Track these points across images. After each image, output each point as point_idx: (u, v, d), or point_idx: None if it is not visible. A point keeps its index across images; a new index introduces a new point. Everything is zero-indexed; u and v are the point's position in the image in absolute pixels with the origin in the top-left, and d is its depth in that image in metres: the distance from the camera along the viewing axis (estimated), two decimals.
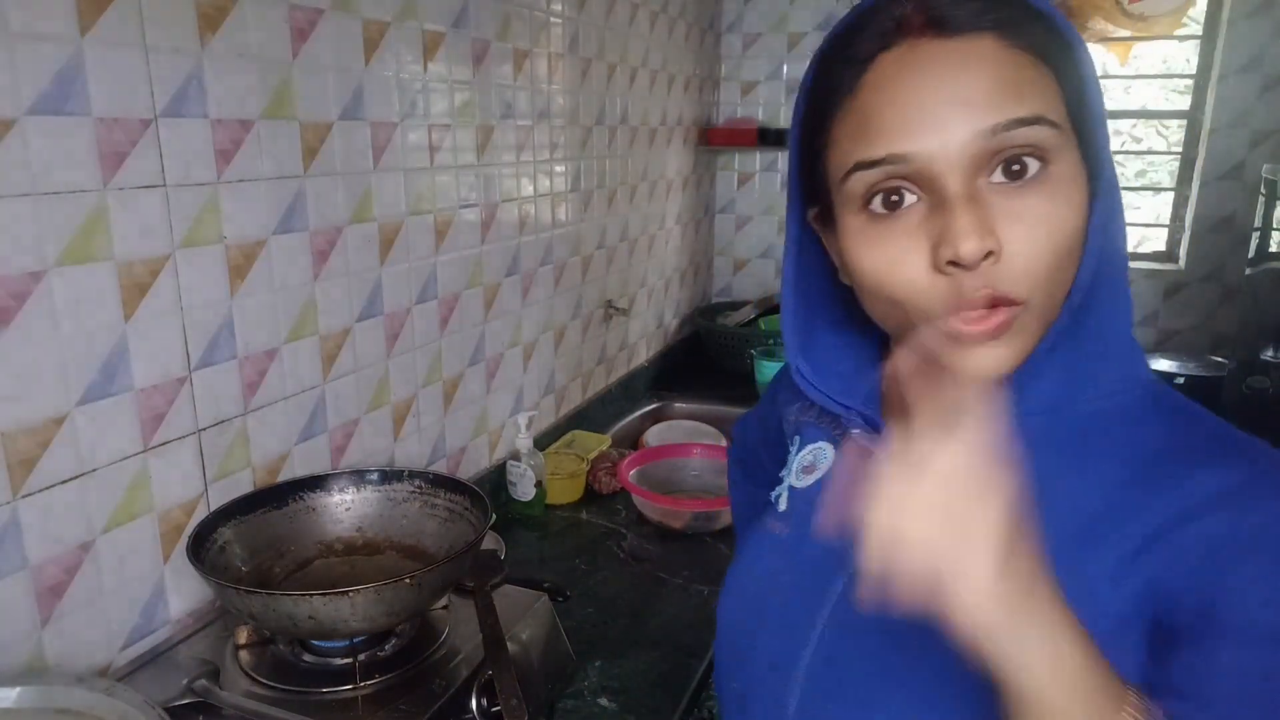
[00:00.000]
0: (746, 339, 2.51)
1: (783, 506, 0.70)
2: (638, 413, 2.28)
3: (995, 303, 0.50)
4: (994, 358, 0.52)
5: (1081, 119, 0.52)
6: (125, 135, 0.93)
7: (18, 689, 0.80)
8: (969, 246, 0.49)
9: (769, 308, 2.61)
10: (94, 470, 0.95)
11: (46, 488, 0.90)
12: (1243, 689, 0.46)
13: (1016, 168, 0.50)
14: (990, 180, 0.51)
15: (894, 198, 0.53)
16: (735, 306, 2.76)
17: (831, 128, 0.56)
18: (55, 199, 0.87)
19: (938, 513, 0.40)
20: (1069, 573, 0.46)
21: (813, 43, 2.69)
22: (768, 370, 2.35)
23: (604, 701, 1.12)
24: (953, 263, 0.50)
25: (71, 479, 0.92)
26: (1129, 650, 0.50)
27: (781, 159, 2.82)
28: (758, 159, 2.84)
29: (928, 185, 0.51)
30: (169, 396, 1.02)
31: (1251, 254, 2.13)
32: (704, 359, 2.70)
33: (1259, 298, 2.02)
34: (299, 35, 1.14)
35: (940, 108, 0.50)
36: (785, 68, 2.74)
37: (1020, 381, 0.55)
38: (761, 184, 2.86)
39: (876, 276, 0.54)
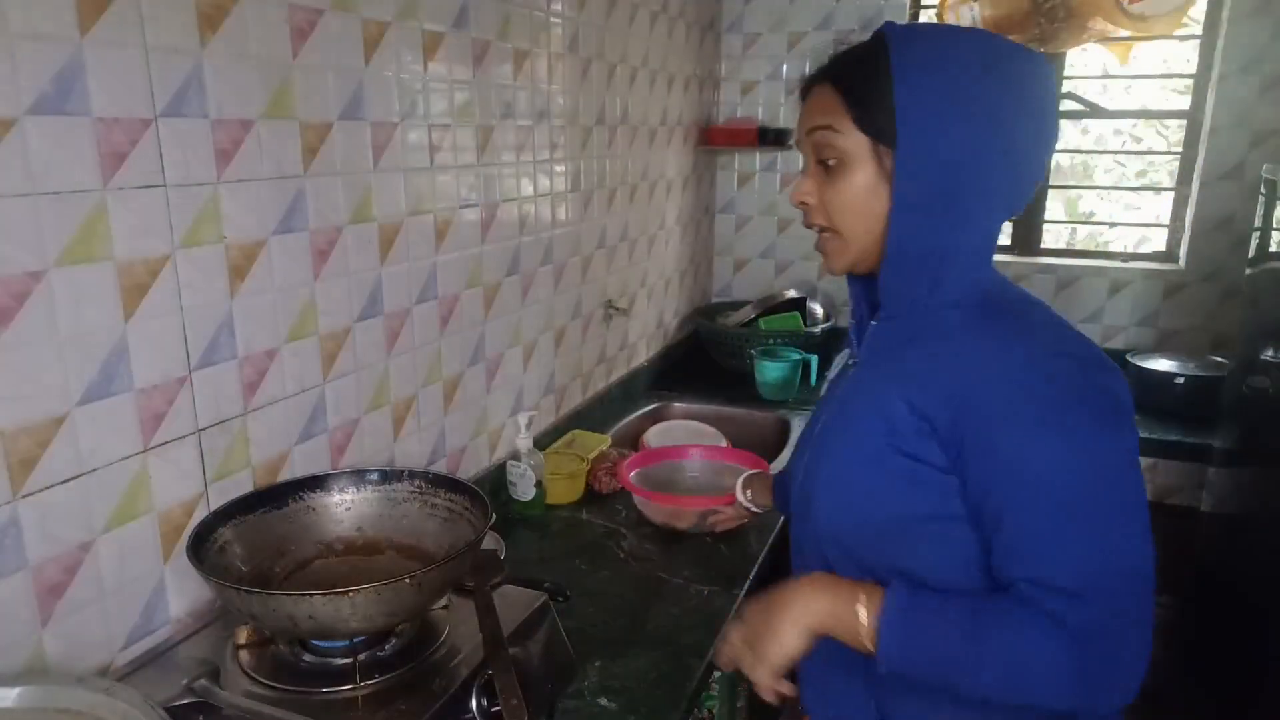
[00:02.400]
0: (746, 339, 2.51)
1: (822, 391, 1.14)
2: (638, 413, 2.28)
3: (821, 228, 0.93)
4: (825, 264, 0.94)
5: (880, 132, 0.84)
6: (125, 135, 0.93)
7: (18, 689, 0.80)
8: (793, 195, 0.93)
9: (769, 308, 2.61)
10: (94, 470, 0.95)
11: (46, 488, 0.90)
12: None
13: (823, 159, 0.89)
14: (821, 164, 0.90)
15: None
16: (735, 306, 2.76)
17: None
18: (55, 199, 0.87)
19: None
20: (879, 389, 0.88)
21: (813, 43, 2.69)
22: (768, 370, 2.35)
23: (604, 701, 1.12)
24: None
25: (71, 479, 0.92)
26: (918, 428, 0.85)
27: (781, 159, 2.82)
28: (758, 159, 2.84)
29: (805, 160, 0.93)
30: (169, 396, 1.02)
31: (1251, 254, 2.13)
32: (704, 359, 2.70)
33: (1259, 298, 2.02)
34: (299, 35, 1.14)
35: (801, 121, 0.92)
36: (785, 68, 2.74)
37: (882, 285, 0.90)
38: (761, 184, 2.86)
39: None
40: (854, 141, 0.86)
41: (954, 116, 0.81)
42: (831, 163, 0.88)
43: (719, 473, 1.78)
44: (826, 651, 0.89)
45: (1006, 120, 0.82)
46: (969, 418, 0.81)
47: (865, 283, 0.98)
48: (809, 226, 0.94)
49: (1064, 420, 0.78)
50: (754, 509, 1.43)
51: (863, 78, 0.85)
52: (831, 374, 1.13)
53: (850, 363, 1.02)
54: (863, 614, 0.83)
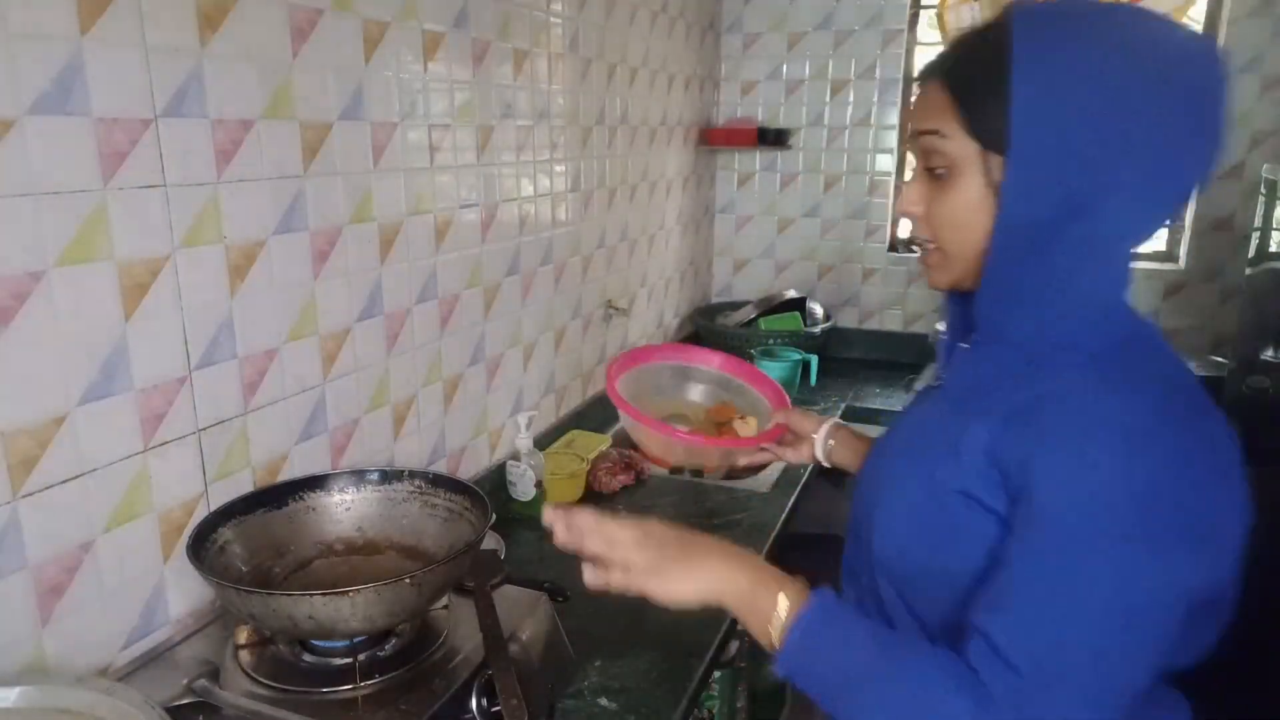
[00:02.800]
0: (746, 339, 2.51)
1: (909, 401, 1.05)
2: None
3: (926, 242, 0.82)
4: (927, 277, 0.85)
5: (992, 139, 0.73)
6: (125, 135, 0.93)
7: (18, 689, 0.80)
8: (901, 205, 0.83)
9: (769, 308, 2.61)
10: (94, 470, 0.95)
11: (46, 488, 0.90)
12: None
13: (931, 166, 0.79)
14: (928, 171, 0.80)
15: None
16: (735, 306, 2.76)
17: None
18: (55, 199, 0.87)
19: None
20: (955, 423, 0.77)
21: (813, 42, 2.69)
22: (768, 370, 2.35)
23: (604, 701, 1.12)
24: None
25: (71, 479, 0.92)
26: (991, 476, 0.73)
27: (780, 159, 2.82)
28: (758, 159, 2.84)
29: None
30: (169, 396, 1.02)
31: (1251, 254, 2.12)
32: None
33: (1259, 298, 2.02)
34: (299, 35, 1.14)
35: (912, 122, 0.81)
36: (785, 68, 2.74)
37: (978, 309, 0.80)
38: (761, 184, 2.86)
39: None
40: (962, 148, 0.75)
41: (1081, 124, 0.69)
42: (940, 171, 0.77)
43: (729, 391, 1.44)
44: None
45: (1153, 132, 0.68)
46: (1040, 484, 0.69)
47: (964, 299, 0.86)
48: (913, 243, 0.85)
49: (1131, 532, 0.66)
50: (827, 465, 1.20)
51: (976, 73, 0.74)
52: (920, 385, 1.09)
53: (935, 383, 0.92)
54: (782, 607, 0.75)
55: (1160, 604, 0.66)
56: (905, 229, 2.84)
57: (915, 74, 2.69)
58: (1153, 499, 0.66)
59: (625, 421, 1.23)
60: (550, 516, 0.86)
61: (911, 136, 0.80)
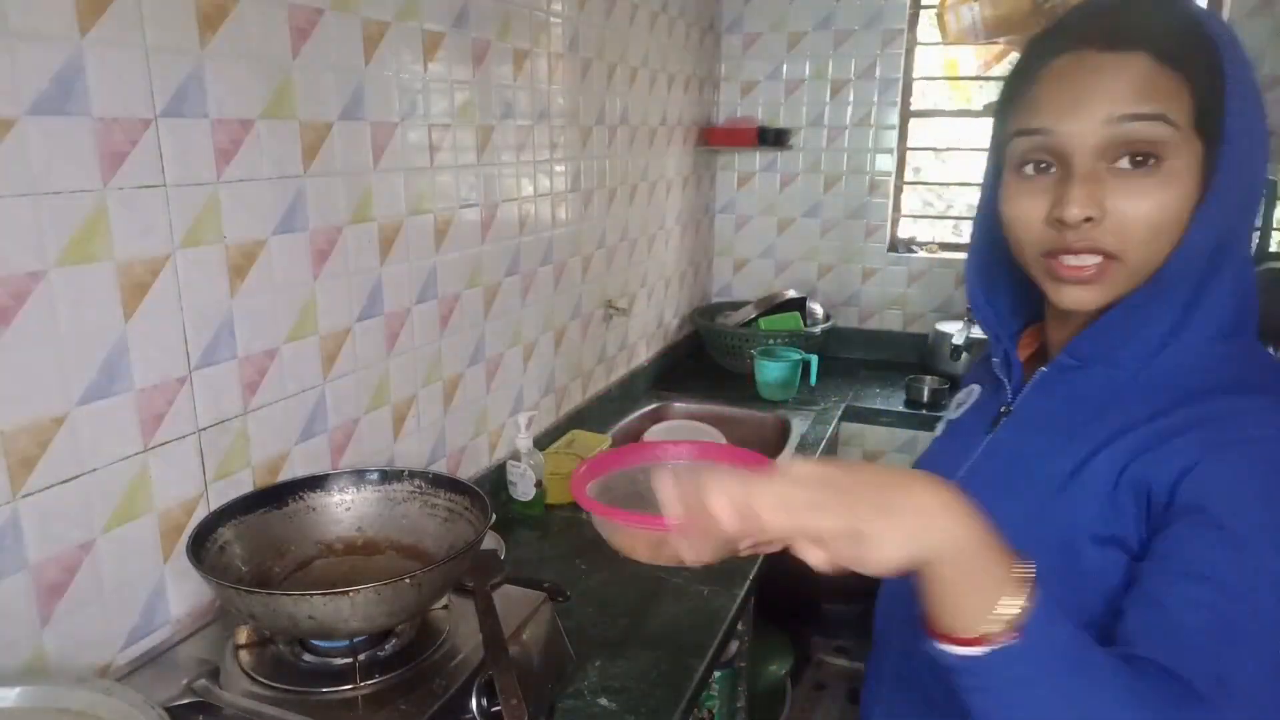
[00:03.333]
0: (746, 339, 2.51)
1: (938, 431, 0.94)
2: (638, 413, 2.28)
3: (1096, 253, 0.67)
4: (1080, 296, 0.70)
5: (1210, 127, 0.64)
6: (125, 135, 0.93)
7: (18, 689, 0.80)
8: (1072, 211, 0.66)
9: (769, 308, 2.61)
10: (94, 470, 0.95)
11: (46, 488, 0.90)
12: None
13: (1139, 158, 0.65)
14: (1114, 165, 0.66)
15: (1041, 165, 0.69)
16: (735, 306, 2.76)
17: (1012, 109, 0.72)
18: (55, 199, 0.87)
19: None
20: (1067, 455, 0.69)
21: (813, 42, 2.69)
22: (768, 370, 2.35)
23: (604, 701, 1.12)
24: (1059, 220, 0.67)
25: (71, 479, 0.92)
26: (1124, 506, 0.65)
27: (780, 159, 2.82)
28: (757, 159, 2.84)
29: (1063, 159, 0.68)
30: (169, 396, 1.02)
31: (1251, 254, 2.13)
32: (704, 359, 2.71)
33: (1259, 297, 2.02)
34: (299, 35, 1.14)
35: (1084, 101, 0.66)
36: (785, 67, 2.74)
37: (1110, 322, 0.70)
38: (761, 184, 2.86)
39: (1009, 221, 0.72)
40: (1186, 138, 0.65)
41: (1260, 121, 0.66)
42: (1151, 162, 0.65)
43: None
44: (901, 676, 0.78)
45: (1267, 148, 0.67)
46: (1206, 501, 0.61)
47: (1012, 314, 0.80)
48: (1074, 253, 0.68)
49: None
50: None
51: (1201, 57, 0.65)
52: (952, 415, 0.93)
53: (1003, 410, 0.81)
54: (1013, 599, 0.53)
55: None
56: (905, 229, 2.84)
57: (913, 74, 2.68)
58: None
59: (601, 526, 0.93)
60: (711, 505, 0.54)
61: (1097, 121, 0.65)
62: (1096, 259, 0.67)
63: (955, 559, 0.53)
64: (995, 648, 0.52)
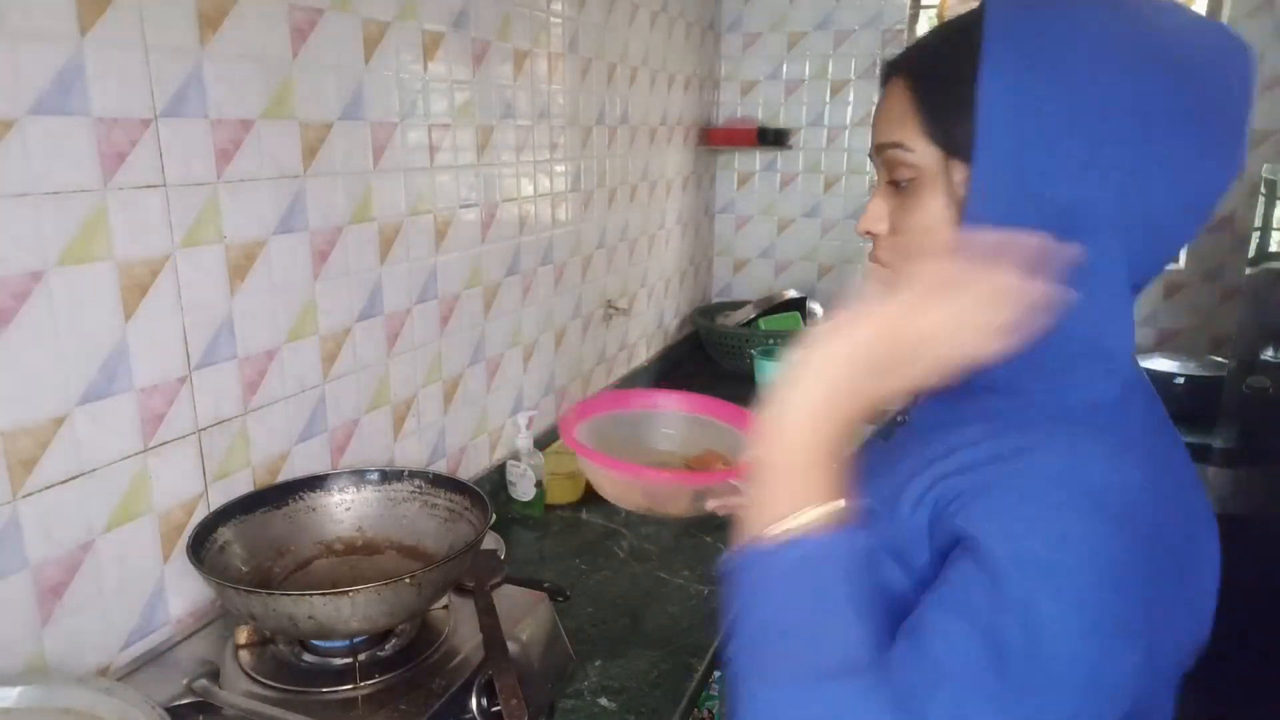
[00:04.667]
0: (746, 339, 2.51)
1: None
2: None
3: (880, 264, 0.69)
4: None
5: (953, 143, 0.62)
6: (125, 135, 0.93)
7: (18, 689, 0.80)
8: (859, 225, 0.70)
9: (769, 308, 2.61)
10: (94, 470, 0.95)
11: (46, 488, 0.90)
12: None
13: (898, 182, 0.67)
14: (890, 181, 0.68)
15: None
16: (735, 306, 2.76)
17: None
18: (55, 199, 0.87)
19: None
20: (898, 481, 0.65)
21: (813, 42, 2.69)
22: (768, 370, 2.35)
23: (604, 701, 1.12)
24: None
25: (71, 479, 0.92)
26: (925, 551, 0.62)
27: (780, 159, 2.82)
28: (757, 159, 2.84)
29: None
30: (169, 396, 1.02)
31: (1251, 254, 2.13)
32: (704, 359, 2.71)
33: (1259, 298, 2.02)
34: (299, 35, 1.14)
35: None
36: (785, 67, 2.74)
37: None
38: (761, 184, 2.86)
39: None
40: (923, 155, 0.64)
41: (1061, 127, 0.57)
42: (903, 183, 0.66)
43: (700, 430, 1.25)
44: None
45: (1154, 141, 0.57)
46: (978, 530, 0.57)
47: None
48: (877, 264, 0.70)
49: (1064, 579, 0.53)
50: None
51: (941, 65, 0.63)
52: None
53: (899, 419, 0.76)
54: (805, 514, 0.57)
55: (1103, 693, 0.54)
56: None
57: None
58: (1119, 582, 0.54)
59: (584, 466, 0.99)
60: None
61: (873, 149, 0.68)
62: (886, 270, 0.69)
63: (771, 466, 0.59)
64: (791, 539, 0.56)
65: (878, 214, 0.68)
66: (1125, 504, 0.56)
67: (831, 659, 0.54)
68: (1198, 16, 0.61)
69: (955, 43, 0.62)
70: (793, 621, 0.55)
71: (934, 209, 0.64)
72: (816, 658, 0.54)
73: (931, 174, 0.64)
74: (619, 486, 0.98)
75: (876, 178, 0.70)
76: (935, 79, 0.63)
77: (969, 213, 0.61)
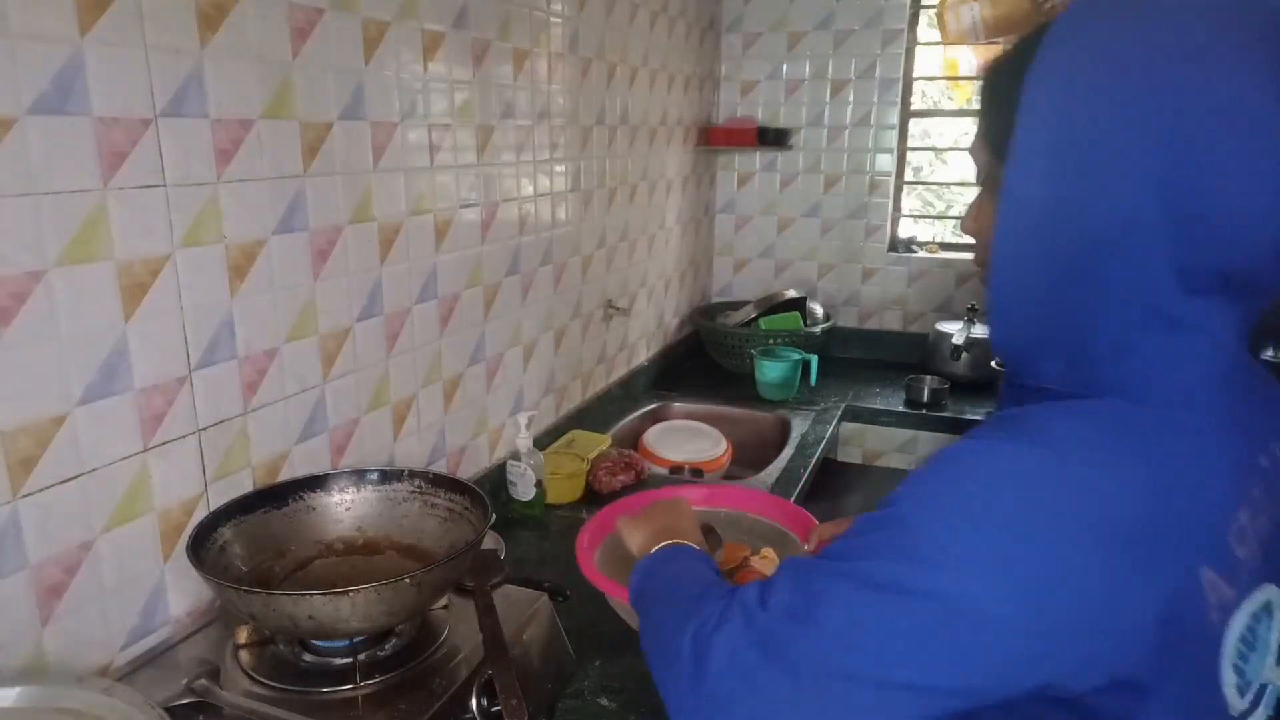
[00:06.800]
0: (746, 339, 2.51)
1: None
2: (638, 413, 2.28)
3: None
4: None
5: (1000, 146, 0.63)
6: (125, 135, 0.93)
7: (18, 689, 0.80)
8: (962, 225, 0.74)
9: (769, 308, 2.61)
10: (94, 470, 0.95)
11: (46, 488, 0.90)
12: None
13: (977, 180, 0.70)
14: None
15: None
16: (735, 306, 2.76)
17: None
18: (55, 199, 0.87)
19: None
20: None
21: (813, 42, 2.69)
22: (768, 370, 2.35)
23: (604, 701, 1.12)
24: None
25: (71, 479, 0.92)
26: None
27: (781, 159, 2.82)
28: (758, 159, 2.84)
29: None
30: (169, 396, 1.02)
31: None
32: (704, 359, 2.71)
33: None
34: (299, 35, 1.14)
35: None
36: (785, 67, 2.74)
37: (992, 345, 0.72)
38: (761, 184, 2.86)
39: None
40: (984, 159, 0.68)
41: (1091, 124, 0.57)
42: (980, 185, 0.70)
43: (732, 526, 1.23)
44: None
45: (1174, 152, 0.55)
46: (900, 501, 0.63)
47: None
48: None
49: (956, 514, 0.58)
50: None
51: (1004, 72, 0.65)
52: None
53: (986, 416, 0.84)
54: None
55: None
56: (905, 229, 2.84)
57: (914, 74, 2.69)
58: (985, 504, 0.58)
59: (613, 602, 1.05)
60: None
61: None
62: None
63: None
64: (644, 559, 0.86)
65: (970, 214, 0.72)
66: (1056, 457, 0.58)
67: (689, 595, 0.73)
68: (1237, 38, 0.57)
69: (1021, 46, 0.63)
70: (667, 584, 0.79)
71: (989, 211, 0.66)
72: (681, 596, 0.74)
73: (992, 177, 0.65)
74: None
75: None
76: (994, 85, 0.66)
77: (1000, 209, 0.63)
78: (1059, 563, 0.55)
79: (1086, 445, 0.58)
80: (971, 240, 0.72)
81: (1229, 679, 0.60)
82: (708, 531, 1.08)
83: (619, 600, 0.99)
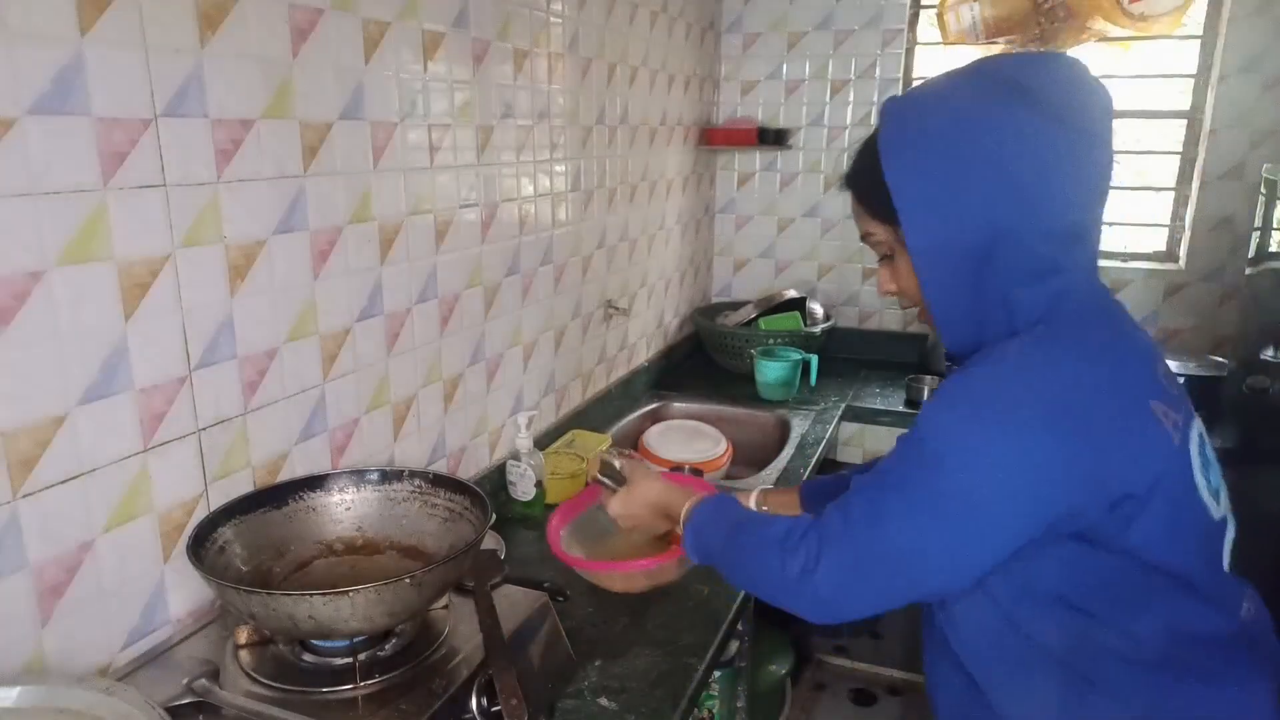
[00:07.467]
0: (746, 339, 2.51)
1: None
2: (638, 412, 2.28)
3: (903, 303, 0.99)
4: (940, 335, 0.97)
5: (889, 216, 0.89)
6: (125, 135, 0.93)
7: (18, 689, 0.80)
8: (878, 289, 1.00)
9: (769, 308, 2.61)
10: (94, 470, 0.95)
11: (46, 488, 0.90)
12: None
13: (879, 254, 0.97)
14: None
15: None
16: (735, 306, 2.76)
17: None
18: (55, 199, 0.87)
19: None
20: None
21: (812, 42, 2.69)
22: (768, 370, 2.35)
23: (604, 701, 1.12)
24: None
25: (71, 479, 0.92)
26: None
27: (780, 159, 2.82)
28: (757, 159, 2.84)
29: None
30: (169, 396, 1.02)
31: (1251, 254, 2.13)
32: (704, 359, 2.71)
33: (1259, 298, 2.02)
34: (299, 35, 1.14)
35: None
36: (785, 68, 2.74)
37: (945, 345, 0.97)
38: (761, 184, 2.86)
39: None
40: (882, 233, 0.92)
41: (941, 181, 0.84)
42: (883, 256, 0.95)
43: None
44: (937, 643, 0.97)
45: (1020, 166, 0.82)
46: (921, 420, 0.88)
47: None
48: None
49: (963, 405, 0.82)
50: None
51: (863, 169, 0.92)
52: None
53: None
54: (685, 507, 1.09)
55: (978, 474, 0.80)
56: None
57: (913, 76, 2.69)
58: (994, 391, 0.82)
59: (587, 575, 1.30)
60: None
61: (861, 239, 0.98)
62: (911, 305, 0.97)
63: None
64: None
65: (884, 280, 0.97)
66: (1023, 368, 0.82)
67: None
68: (1034, 56, 0.89)
69: (866, 153, 0.91)
70: (728, 528, 1.01)
71: (905, 266, 0.92)
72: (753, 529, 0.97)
73: (891, 244, 0.92)
74: (625, 580, 1.27)
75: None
76: (864, 183, 0.92)
77: (913, 258, 0.88)
78: (1042, 433, 0.79)
79: (1036, 351, 0.83)
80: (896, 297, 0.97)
81: (1201, 483, 0.85)
82: (608, 468, 1.26)
83: (589, 570, 1.27)
